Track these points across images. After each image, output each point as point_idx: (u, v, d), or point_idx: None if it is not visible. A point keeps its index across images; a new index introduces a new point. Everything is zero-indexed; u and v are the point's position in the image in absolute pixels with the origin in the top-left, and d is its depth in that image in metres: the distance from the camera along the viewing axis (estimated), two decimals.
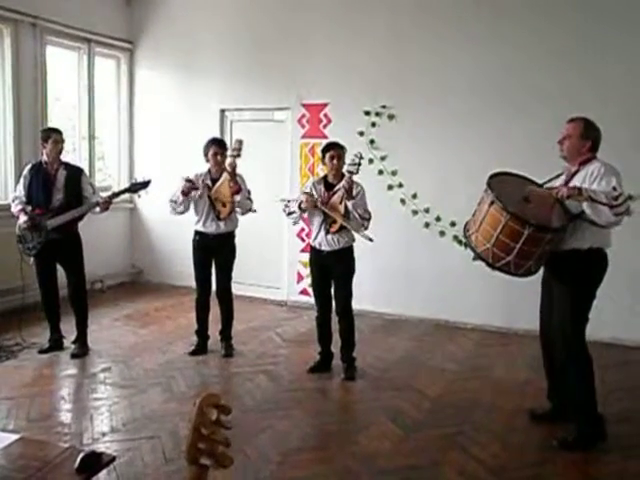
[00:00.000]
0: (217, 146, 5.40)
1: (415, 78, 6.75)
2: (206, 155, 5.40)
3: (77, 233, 5.48)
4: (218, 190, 5.35)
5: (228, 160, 5.27)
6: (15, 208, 5.36)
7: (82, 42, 7.58)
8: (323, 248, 5.01)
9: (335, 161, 4.94)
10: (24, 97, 6.84)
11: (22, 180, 5.42)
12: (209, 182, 5.39)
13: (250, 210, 5.48)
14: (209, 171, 5.44)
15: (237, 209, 5.42)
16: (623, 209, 3.51)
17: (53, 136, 5.33)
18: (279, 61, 7.39)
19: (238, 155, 5.20)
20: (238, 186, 5.25)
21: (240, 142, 5.23)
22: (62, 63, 7.60)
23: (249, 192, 5.42)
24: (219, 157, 5.36)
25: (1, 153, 6.78)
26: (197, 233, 5.51)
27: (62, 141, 5.40)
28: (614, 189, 3.54)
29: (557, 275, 3.94)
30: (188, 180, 5.28)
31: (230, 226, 5.49)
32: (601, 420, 3.91)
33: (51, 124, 6.86)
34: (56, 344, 5.55)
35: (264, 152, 7.49)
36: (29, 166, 5.49)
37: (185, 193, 5.27)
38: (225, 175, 5.29)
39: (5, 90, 6.71)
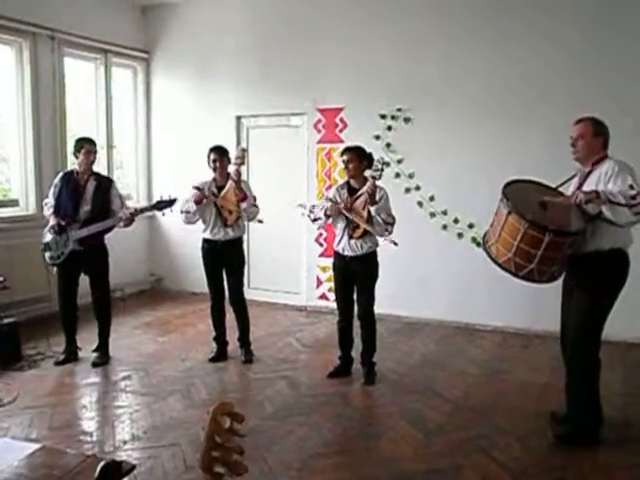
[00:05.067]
0: (216, 153, 5.43)
1: (430, 81, 6.73)
2: (209, 163, 5.46)
3: (104, 245, 5.49)
4: (224, 197, 5.38)
5: (232, 168, 5.30)
6: (47, 211, 5.42)
7: (99, 53, 7.67)
8: (346, 253, 5.01)
9: (350, 165, 4.95)
10: (43, 108, 6.92)
11: (53, 188, 5.45)
12: (215, 190, 5.43)
13: (256, 219, 5.50)
14: (214, 179, 5.47)
15: (244, 216, 5.45)
16: None
17: (86, 146, 5.33)
18: (294, 67, 7.40)
19: (242, 163, 5.27)
20: (243, 194, 5.28)
21: (243, 150, 5.32)
22: (80, 74, 7.68)
23: (255, 199, 5.45)
24: (218, 164, 5.39)
25: (22, 164, 6.86)
26: (205, 241, 5.54)
27: (95, 151, 5.41)
28: (631, 187, 3.51)
29: (578, 278, 3.90)
30: (196, 188, 5.34)
31: (238, 232, 5.52)
32: (598, 424, 3.93)
33: (70, 134, 6.94)
34: (71, 356, 5.56)
35: (281, 157, 7.53)
36: (61, 174, 5.52)
37: (198, 202, 5.31)
38: (230, 182, 5.32)
39: (25, 102, 6.80)
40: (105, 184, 5.47)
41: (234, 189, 5.27)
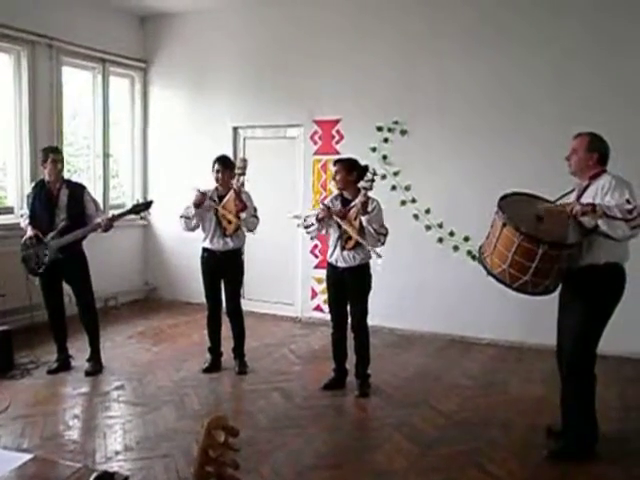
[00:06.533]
0: (219, 164, 5.44)
1: (427, 93, 6.76)
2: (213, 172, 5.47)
3: (82, 252, 5.45)
4: (224, 207, 5.37)
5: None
6: (24, 222, 5.41)
7: (97, 62, 7.68)
8: (339, 264, 5.00)
9: (337, 176, 4.98)
10: (40, 117, 6.91)
11: (26, 199, 5.46)
12: (216, 199, 5.42)
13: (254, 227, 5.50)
14: (216, 188, 5.47)
15: (243, 227, 5.44)
16: (639, 222, 3.47)
17: (51, 156, 5.29)
18: (291, 78, 7.42)
19: (243, 173, 5.25)
20: (243, 204, 5.27)
21: (244, 161, 5.28)
22: (77, 83, 7.69)
23: (255, 210, 5.44)
24: (220, 175, 5.40)
25: (18, 172, 6.85)
26: (205, 250, 5.53)
27: (61, 159, 5.38)
28: (627, 202, 3.51)
29: (574, 292, 3.90)
30: (199, 191, 5.33)
31: (237, 243, 5.51)
32: (594, 439, 3.92)
33: (66, 143, 6.92)
34: (63, 364, 5.53)
35: (277, 169, 7.54)
36: (33, 184, 5.52)
37: (197, 205, 5.30)
38: (231, 192, 5.32)
39: (22, 110, 6.80)
40: (78, 191, 5.43)
41: (234, 199, 5.27)
